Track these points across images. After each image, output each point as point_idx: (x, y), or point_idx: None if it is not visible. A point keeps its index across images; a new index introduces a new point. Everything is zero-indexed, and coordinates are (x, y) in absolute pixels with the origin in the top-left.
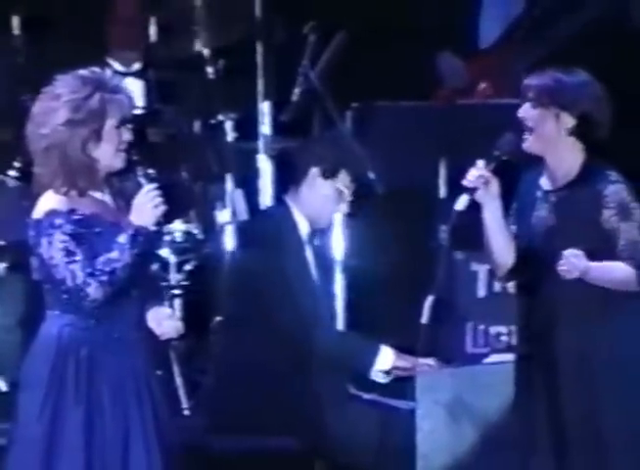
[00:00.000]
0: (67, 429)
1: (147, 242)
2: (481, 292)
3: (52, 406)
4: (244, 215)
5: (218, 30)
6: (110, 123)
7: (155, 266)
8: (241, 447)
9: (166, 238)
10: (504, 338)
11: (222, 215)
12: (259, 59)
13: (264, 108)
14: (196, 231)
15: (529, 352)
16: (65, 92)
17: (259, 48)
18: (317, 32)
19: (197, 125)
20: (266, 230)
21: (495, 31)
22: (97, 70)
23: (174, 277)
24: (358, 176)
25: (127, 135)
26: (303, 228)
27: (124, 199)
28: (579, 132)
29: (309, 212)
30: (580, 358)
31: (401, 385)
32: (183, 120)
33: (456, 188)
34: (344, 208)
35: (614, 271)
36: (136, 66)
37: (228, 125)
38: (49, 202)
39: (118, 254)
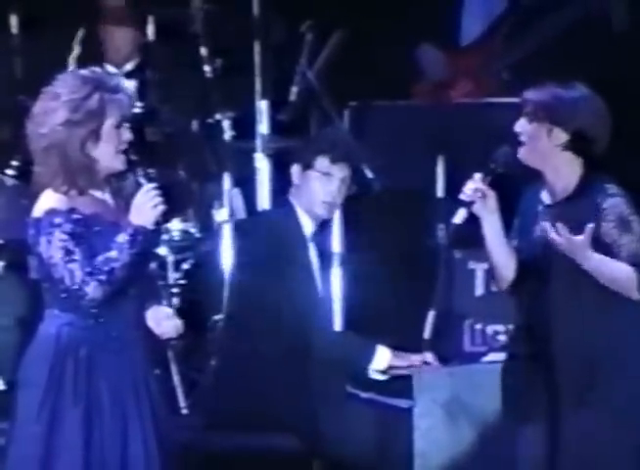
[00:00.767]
0: (65, 428)
1: (146, 242)
2: (479, 291)
3: (50, 406)
4: (241, 214)
5: (216, 29)
6: (109, 123)
7: (153, 265)
8: (239, 446)
9: (164, 237)
10: (502, 337)
11: (220, 214)
12: (257, 58)
13: (262, 107)
14: (193, 230)
15: (528, 352)
16: (64, 92)
17: (257, 47)
18: (314, 31)
19: (194, 124)
20: (270, 229)
21: (477, 29)
22: (97, 69)
23: (172, 276)
24: (338, 158)
25: (127, 135)
26: (307, 228)
27: (124, 198)
28: (574, 147)
29: (305, 205)
30: (579, 359)
31: (399, 384)
32: (181, 119)
33: (454, 187)
34: (336, 192)
35: (616, 268)
36: (128, 66)
37: (226, 124)
38: (49, 201)
39: (117, 253)
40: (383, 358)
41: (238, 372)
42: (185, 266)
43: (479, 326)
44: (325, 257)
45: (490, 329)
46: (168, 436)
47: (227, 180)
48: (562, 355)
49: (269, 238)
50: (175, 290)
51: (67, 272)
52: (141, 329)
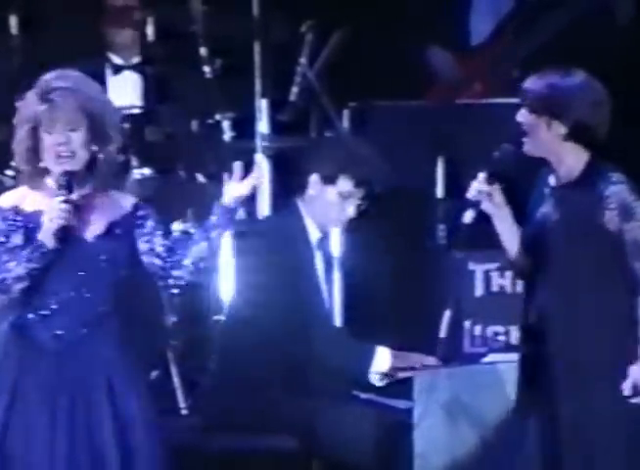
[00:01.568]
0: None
1: (45, 259)
2: (479, 291)
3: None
4: (241, 215)
5: (216, 29)
6: (42, 128)
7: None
8: (238, 447)
9: None
10: (502, 337)
11: None
12: (257, 58)
13: (262, 107)
14: (193, 230)
15: (526, 351)
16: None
17: (257, 47)
18: (315, 31)
19: (194, 124)
20: (277, 236)
21: (486, 29)
22: (61, 71)
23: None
24: (362, 181)
25: (56, 140)
26: (314, 235)
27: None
28: (575, 137)
29: (316, 217)
30: (574, 358)
31: (399, 385)
32: (181, 119)
33: (454, 187)
34: (351, 212)
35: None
36: (135, 59)
37: (226, 124)
38: (3, 197)
39: (15, 264)
40: (384, 360)
41: (238, 373)
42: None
43: (479, 327)
44: (330, 261)
45: (490, 330)
46: (148, 440)
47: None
48: (558, 346)
49: (275, 245)
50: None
51: None
52: (99, 330)
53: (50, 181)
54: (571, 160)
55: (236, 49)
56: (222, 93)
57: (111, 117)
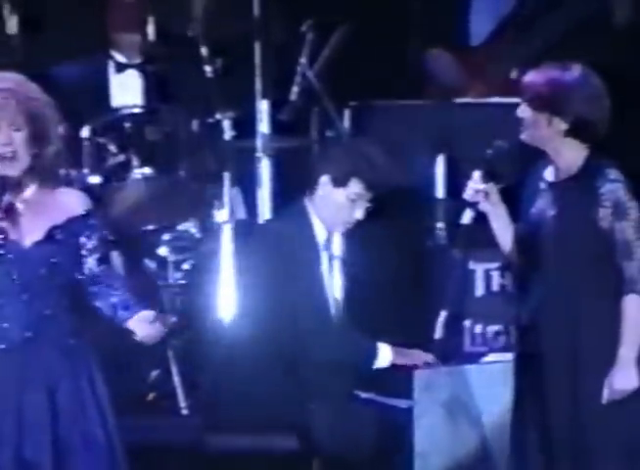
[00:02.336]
0: None
1: None
2: (479, 291)
3: None
4: (242, 214)
5: (217, 29)
6: None
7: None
8: (239, 446)
9: (165, 237)
10: (502, 337)
11: (220, 214)
12: (257, 57)
13: (262, 106)
14: (194, 230)
15: (524, 350)
16: None
17: (257, 47)
18: (315, 31)
19: (195, 124)
20: (283, 237)
21: (487, 28)
22: (1, 74)
23: (172, 276)
24: (373, 184)
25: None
26: (321, 236)
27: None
28: (575, 134)
29: (324, 218)
30: (570, 355)
31: (399, 384)
32: (181, 119)
33: (454, 187)
34: (360, 214)
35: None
36: (139, 58)
37: (226, 124)
38: None
39: None
40: (384, 356)
41: (238, 372)
42: (185, 267)
43: (479, 326)
44: (335, 262)
45: (490, 329)
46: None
47: (227, 180)
48: (553, 342)
49: (282, 245)
50: (176, 290)
51: None
52: (43, 333)
53: None
54: (571, 155)
55: (236, 49)
56: (223, 93)
57: (51, 119)
